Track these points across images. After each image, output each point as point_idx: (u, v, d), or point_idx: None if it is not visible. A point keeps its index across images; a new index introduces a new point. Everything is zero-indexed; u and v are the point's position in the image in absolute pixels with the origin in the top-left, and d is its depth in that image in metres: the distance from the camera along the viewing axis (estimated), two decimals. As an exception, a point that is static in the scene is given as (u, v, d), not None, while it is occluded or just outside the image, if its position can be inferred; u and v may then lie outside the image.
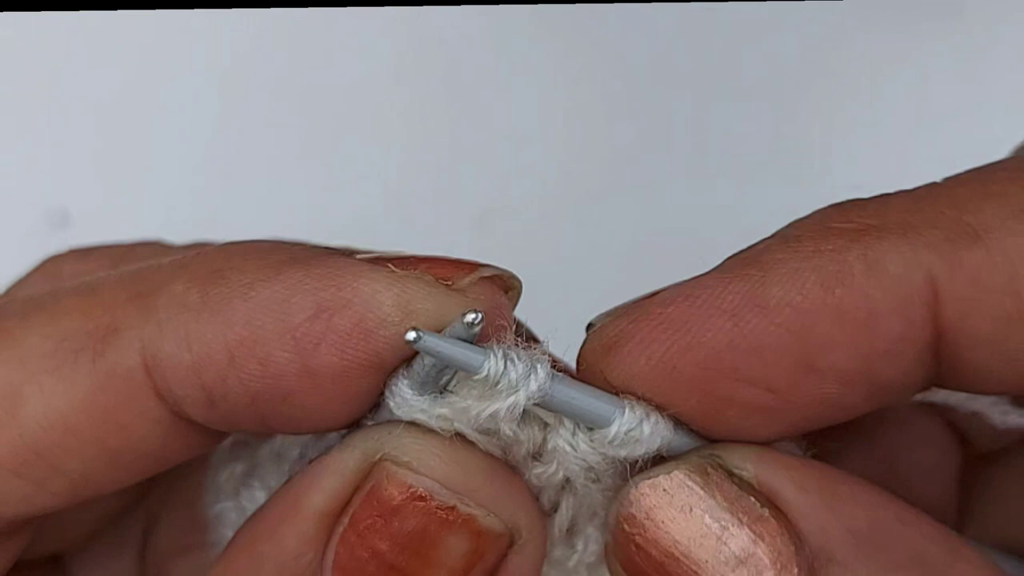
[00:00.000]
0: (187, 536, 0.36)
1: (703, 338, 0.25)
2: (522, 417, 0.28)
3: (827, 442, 0.29)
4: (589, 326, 0.28)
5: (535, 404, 0.27)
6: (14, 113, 0.69)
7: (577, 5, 0.69)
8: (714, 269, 0.26)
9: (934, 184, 0.26)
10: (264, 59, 0.70)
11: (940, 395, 0.32)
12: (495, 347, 0.27)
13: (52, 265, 0.37)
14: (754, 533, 0.25)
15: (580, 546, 0.30)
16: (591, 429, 0.27)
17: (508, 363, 0.27)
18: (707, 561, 0.25)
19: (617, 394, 0.27)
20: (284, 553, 0.27)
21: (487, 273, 0.28)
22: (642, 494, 0.26)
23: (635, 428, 0.27)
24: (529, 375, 0.27)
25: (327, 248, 0.30)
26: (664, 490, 0.26)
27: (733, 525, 0.25)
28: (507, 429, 0.28)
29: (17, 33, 0.68)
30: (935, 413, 0.33)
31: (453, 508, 0.27)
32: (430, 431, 0.28)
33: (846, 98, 0.69)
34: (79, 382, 0.27)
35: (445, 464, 0.27)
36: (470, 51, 0.70)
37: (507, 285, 0.29)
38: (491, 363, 0.27)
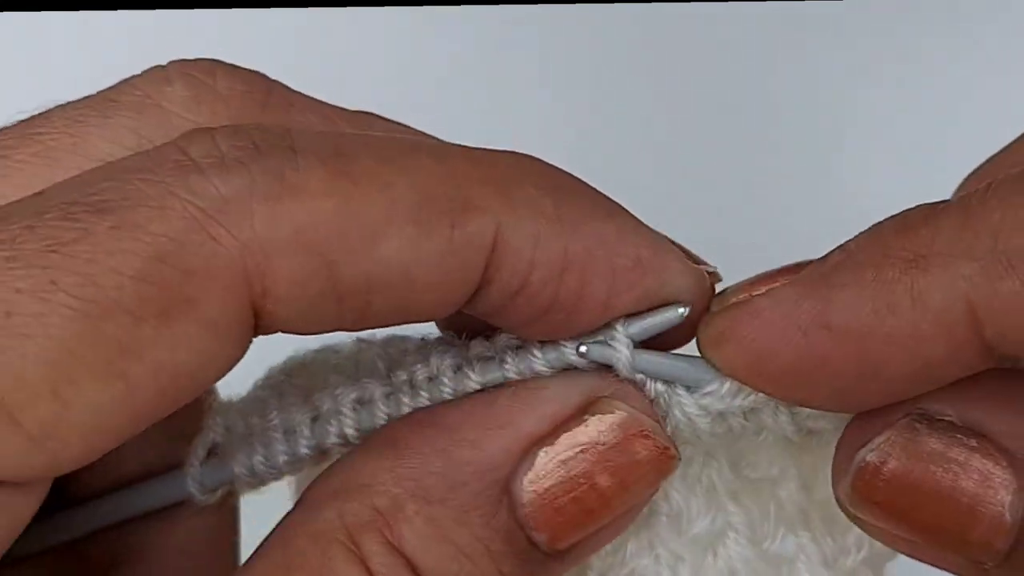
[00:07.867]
0: None
1: (782, 349, 0.30)
2: None
3: None
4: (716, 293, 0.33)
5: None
6: (13, 113, 0.69)
7: (577, 5, 0.69)
8: (796, 277, 0.31)
9: (972, 203, 0.30)
10: (266, 60, 0.70)
11: None
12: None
13: (193, 77, 0.36)
14: (973, 456, 0.30)
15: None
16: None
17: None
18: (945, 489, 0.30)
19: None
20: (485, 462, 0.31)
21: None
22: (872, 453, 0.31)
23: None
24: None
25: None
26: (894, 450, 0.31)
27: (955, 456, 0.30)
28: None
29: (17, 33, 0.68)
30: None
31: (668, 449, 0.31)
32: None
33: (846, 98, 0.69)
34: (436, 240, 0.30)
35: (653, 418, 0.32)
36: (470, 51, 0.70)
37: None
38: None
